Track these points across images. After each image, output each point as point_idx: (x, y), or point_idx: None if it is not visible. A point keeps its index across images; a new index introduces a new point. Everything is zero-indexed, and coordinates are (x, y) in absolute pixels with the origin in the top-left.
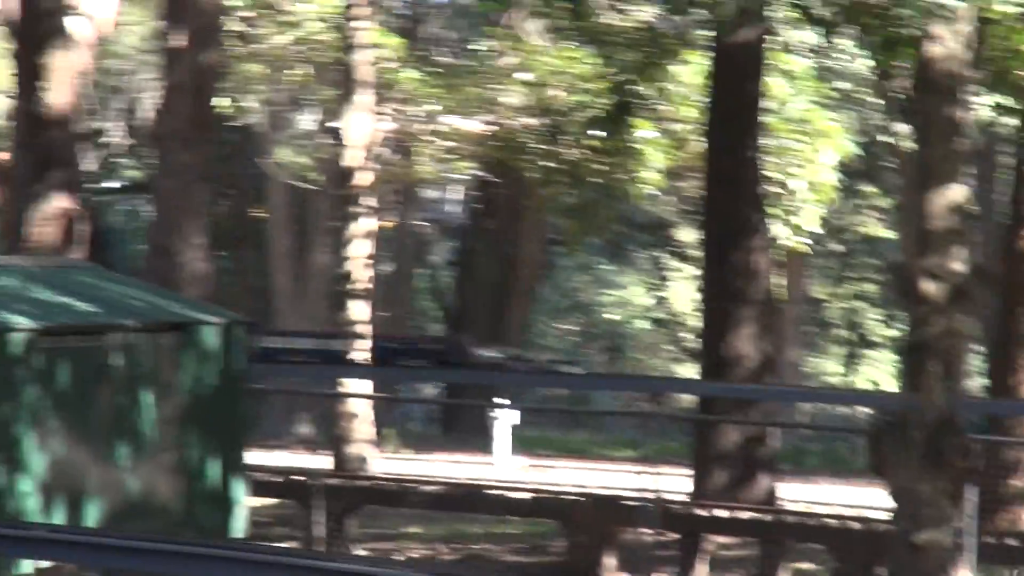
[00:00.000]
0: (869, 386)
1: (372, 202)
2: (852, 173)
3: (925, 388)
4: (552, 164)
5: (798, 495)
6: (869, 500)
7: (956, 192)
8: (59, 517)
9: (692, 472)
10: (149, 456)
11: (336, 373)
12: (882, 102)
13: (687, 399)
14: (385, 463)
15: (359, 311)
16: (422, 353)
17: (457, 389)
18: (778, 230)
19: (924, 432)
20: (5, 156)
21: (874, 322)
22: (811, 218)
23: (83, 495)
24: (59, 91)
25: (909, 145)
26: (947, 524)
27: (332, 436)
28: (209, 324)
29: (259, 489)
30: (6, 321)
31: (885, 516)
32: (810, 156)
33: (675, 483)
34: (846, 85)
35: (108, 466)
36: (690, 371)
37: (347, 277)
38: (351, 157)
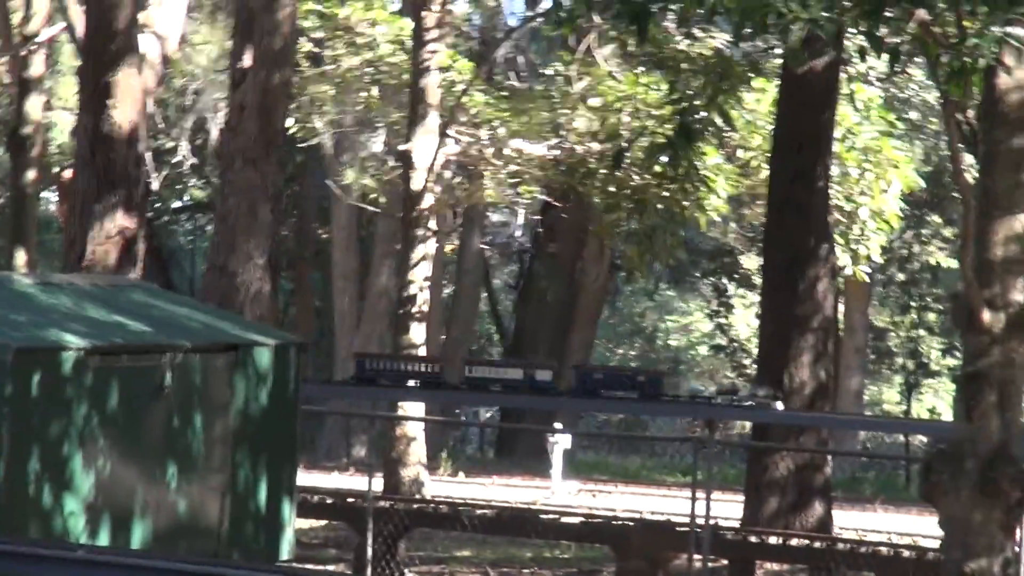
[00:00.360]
0: (928, 415)
1: (435, 225)
2: (918, 203)
3: (980, 417)
4: (616, 189)
5: (852, 523)
6: (922, 529)
7: (1019, 222)
8: (104, 538)
9: (745, 498)
10: (198, 477)
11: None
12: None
13: (745, 425)
14: (441, 486)
15: (419, 333)
16: (628, 384)
17: (513, 413)
18: (842, 259)
19: (978, 461)
20: (69, 174)
21: (935, 351)
22: (874, 248)
23: (130, 516)
24: (124, 109)
25: (972, 175)
26: (998, 554)
27: (387, 458)
28: (263, 345)
29: (311, 511)
30: (59, 339)
31: (936, 544)
32: (876, 185)
33: (728, 509)
34: (915, 115)
35: (156, 486)
36: None
37: (410, 299)
38: (417, 180)
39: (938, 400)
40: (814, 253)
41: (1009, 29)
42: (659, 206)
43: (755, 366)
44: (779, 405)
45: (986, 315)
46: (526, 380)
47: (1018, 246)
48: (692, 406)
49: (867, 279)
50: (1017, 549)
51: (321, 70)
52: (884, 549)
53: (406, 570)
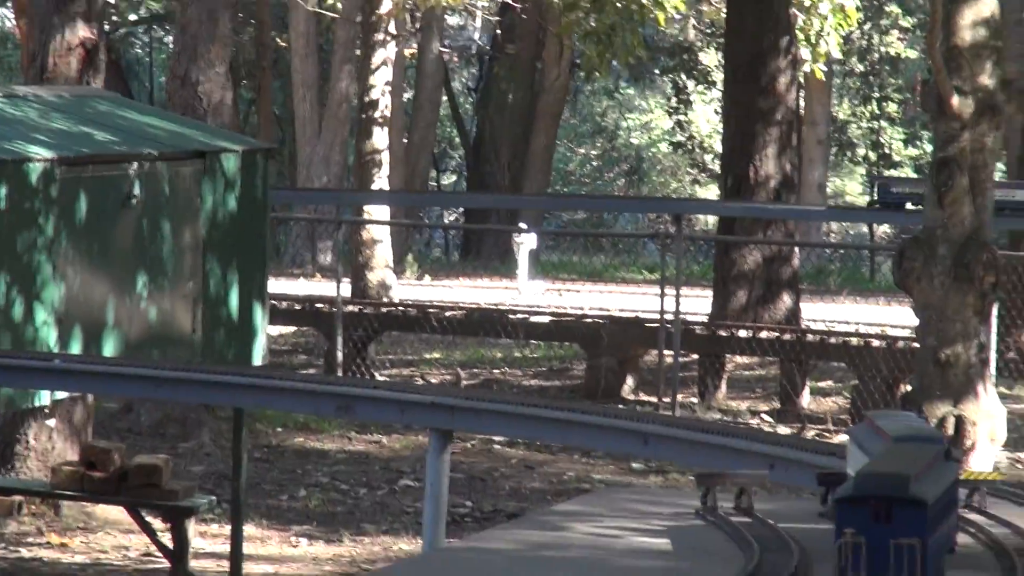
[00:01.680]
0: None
1: (395, 29)
2: None
3: (952, 203)
4: None
5: (820, 315)
6: (889, 319)
7: (987, 6)
8: (76, 348)
9: (713, 293)
10: (169, 285)
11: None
12: None
13: (709, 221)
14: (408, 290)
15: (381, 139)
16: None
17: (477, 214)
18: (802, 53)
19: (951, 247)
20: None
21: (897, 141)
22: (833, 43)
23: (102, 326)
24: None
25: None
26: (973, 339)
27: (353, 263)
28: (231, 151)
29: (280, 317)
30: (24, 151)
31: (906, 334)
32: None
33: (696, 305)
34: None
35: (128, 296)
36: (711, 193)
37: (371, 105)
38: None
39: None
40: (775, 46)
41: None
42: (618, 4)
43: (716, 163)
44: None
45: (955, 101)
46: None
47: (986, 30)
48: (658, 201)
49: (824, 77)
50: (991, 334)
51: None
52: (854, 340)
53: (376, 373)
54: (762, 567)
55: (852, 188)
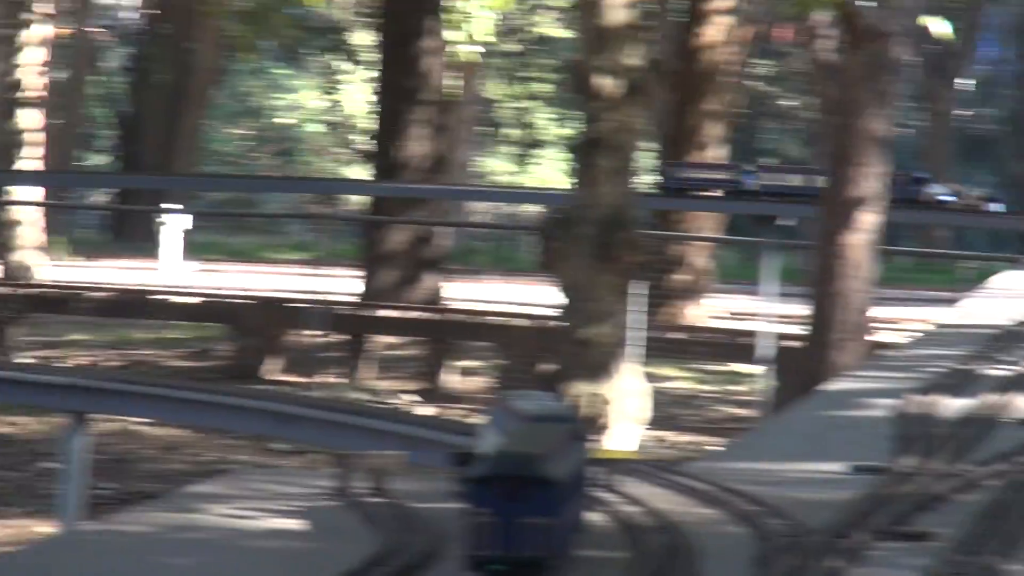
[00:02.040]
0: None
1: (48, 8)
2: None
3: (595, 183)
4: None
5: (467, 294)
6: (536, 298)
7: None
8: None
9: (361, 273)
10: None
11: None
12: None
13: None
14: (55, 271)
15: (30, 119)
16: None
17: (131, 195)
18: (452, 35)
19: (594, 227)
20: None
21: (548, 121)
22: (483, 26)
23: None
24: None
25: None
26: (614, 318)
27: None
28: None
29: None
30: None
31: (552, 313)
32: None
33: (346, 285)
34: None
35: None
36: (362, 173)
37: (17, 85)
38: None
39: (549, 171)
40: (424, 28)
41: None
42: None
43: (367, 142)
44: (992, 206)
45: (601, 82)
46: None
47: (631, 12)
48: (309, 181)
49: (480, 59)
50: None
51: None
52: (499, 319)
53: (17, 356)
54: (394, 547)
55: (502, 168)
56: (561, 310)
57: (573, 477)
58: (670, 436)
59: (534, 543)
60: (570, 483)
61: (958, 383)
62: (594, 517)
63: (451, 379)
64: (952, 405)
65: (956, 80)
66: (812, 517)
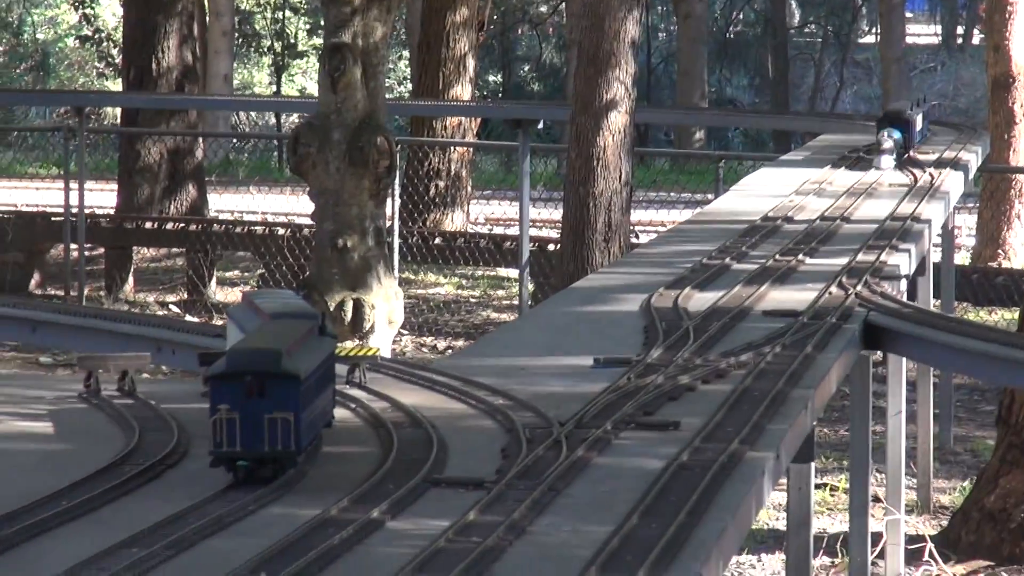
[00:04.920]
0: (297, 95)
1: None
2: None
3: (345, 88)
4: None
5: (228, 205)
6: (297, 208)
7: None
8: None
9: (118, 186)
10: None
11: None
12: None
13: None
14: None
15: None
16: None
17: None
18: None
19: (345, 132)
20: None
21: (302, 31)
22: None
23: None
24: None
25: None
26: (369, 224)
27: None
28: None
29: None
30: None
31: (309, 222)
32: None
33: (103, 199)
34: None
35: None
36: (119, 86)
37: None
38: None
39: (307, 81)
40: None
41: None
42: None
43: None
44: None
45: None
46: None
47: None
48: (60, 94)
49: None
50: (388, 220)
51: None
52: (259, 229)
53: None
54: (141, 446)
55: (260, 79)
56: (316, 216)
57: (317, 374)
58: (430, 341)
59: (276, 439)
60: (314, 380)
61: (707, 277)
62: (342, 414)
63: (214, 290)
64: (701, 298)
65: None
66: (560, 409)
